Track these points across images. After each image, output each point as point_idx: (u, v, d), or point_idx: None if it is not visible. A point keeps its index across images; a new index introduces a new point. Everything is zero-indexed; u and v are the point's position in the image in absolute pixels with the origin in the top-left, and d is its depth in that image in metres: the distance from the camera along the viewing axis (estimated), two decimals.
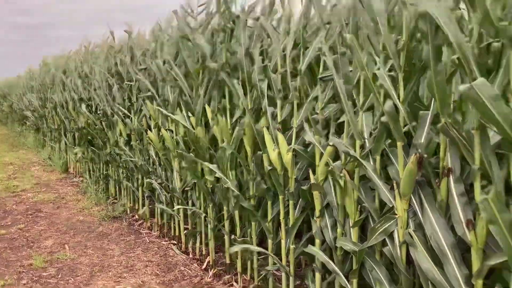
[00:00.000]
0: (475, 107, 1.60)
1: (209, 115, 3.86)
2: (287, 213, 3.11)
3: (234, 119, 3.61)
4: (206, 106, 3.90)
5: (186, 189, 4.51)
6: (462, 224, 1.90)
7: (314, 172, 2.76)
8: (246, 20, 3.46)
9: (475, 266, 1.84)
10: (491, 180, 1.76)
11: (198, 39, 3.92)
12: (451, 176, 1.96)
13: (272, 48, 3.23)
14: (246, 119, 3.34)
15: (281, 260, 3.18)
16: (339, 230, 2.62)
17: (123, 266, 4.28)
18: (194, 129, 4.01)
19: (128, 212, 6.01)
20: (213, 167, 3.66)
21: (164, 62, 4.68)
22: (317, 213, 2.78)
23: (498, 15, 1.69)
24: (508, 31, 1.64)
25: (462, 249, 1.96)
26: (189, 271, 4.10)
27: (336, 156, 2.60)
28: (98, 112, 6.66)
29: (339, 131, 2.63)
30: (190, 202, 4.46)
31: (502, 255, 1.72)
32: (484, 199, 1.69)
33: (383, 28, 2.06)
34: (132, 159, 5.51)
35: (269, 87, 3.14)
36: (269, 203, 3.32)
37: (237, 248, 3.30)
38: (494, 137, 1.79)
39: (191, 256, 4.42)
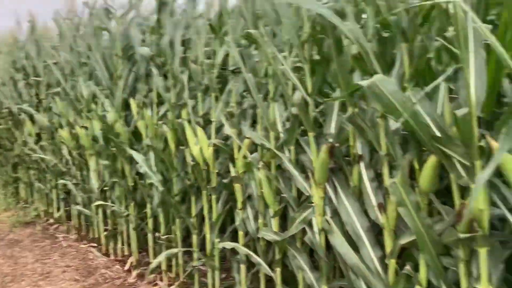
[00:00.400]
0: (377, 100, 1.67)
1: (134, 109, 3.73)
2: (210, 208, 3.09)
3: (160, 114, 3.51)
4: (131, 100, 3.75)
5: (104, 189, 4.34)
6: (374, 208, 1.99)
7: (234, 165, 2.77)
8: (172, 8, 3.34)
9: (388, 247, 1.94)
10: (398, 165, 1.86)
11: (129, 29, 3.75)
12: (361, 163, 2.04)
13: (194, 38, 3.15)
14: (170, 113, 3.26)
15: (206, 255, 3.16)
16: (260, 221, 2.65)
17: (38, 273, 4.04)
18: (113, 124, 3.85)
19: (42, 216, 5.68)
20: (140, 158, 3.52)
21: (77, 54, 4.44)
22: (239, 205, 2.80)
23: (390, 8, 1.78)
24: (399, 24, 1.73)
25: (376, 232, 2.05)
26: (111, 273, 3.96)
27: (256, 148, 2.62)
28: (3, 111, 6.19)
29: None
30: (109, 202, 4.29)
31: (410, 235, 1.82)
32: (393, 183, 1.78)
33: (285, 20, 2.07)
34: (43, 157, 5.19)
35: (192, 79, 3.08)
36: (193, 198, 3.28)
37: (161, 257, 3.25)
38: (394, 124, 1.88)
39: (112, 258, 4.28)
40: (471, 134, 1.53)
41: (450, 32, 1.58)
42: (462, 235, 1.59)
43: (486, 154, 1.58)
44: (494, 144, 1.50)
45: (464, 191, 1.68)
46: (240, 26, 2.52)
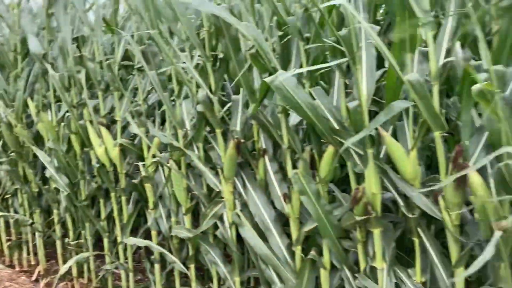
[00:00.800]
0: (280, 96, 1.75)
1: (33, 111, 3.52)
2: (120, 210, 3.03)
3: (60, 115, 3.34)
4: (29, 101, 3.53)
5: (6, 196, 4.07)
6: (280, 198, 2.09)
7: (143, 165, 2.74)
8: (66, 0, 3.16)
9: (294, 234, 2.05)
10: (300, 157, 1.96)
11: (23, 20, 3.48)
12: (266, 157, 2.13)
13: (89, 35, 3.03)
14: (70, 114, 3.13)
15: (119, 257, 3.10)
16: (173, 219, 2.65)
17: None
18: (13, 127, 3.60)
19: None
20: (46, 161, 3.34)
21: None
22: (150, 205, 2.77)
23: (287, 8, 1.87)
24: (295, 23, 1.83)
25: (283, 221, 2.15)
26: (16, 285, 3.72)
27: (165, 146, 2.61)
28: None
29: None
30: (12, 210, 4.03)
31: (313, 222, 1.94)
32: (295, 173, 1.89)
33: (183, 18, 2.09)
34: None
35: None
36: (102, 201, 3.19)
37: (71, 262, 3.13)
38: (294, 119, 1.98)
39: (17, 269, 4.01)
40: (362, 125, 1.66)
41: (344, 31, 1.69)
42: (358, 218, 1.72)
43: (377, 142, 1.72)
44: (383, 132, 1.64)
45: (360, 177, 1.81)
46: (142, 23, 2.48)
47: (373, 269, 1.76)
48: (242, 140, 2.16)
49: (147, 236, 2.95)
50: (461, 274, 1.49)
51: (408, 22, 1.40)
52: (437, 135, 1.45)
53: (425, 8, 1.35)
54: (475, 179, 1.28)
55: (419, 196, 1.56)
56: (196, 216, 2.60)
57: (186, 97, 2.46)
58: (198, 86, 2.17)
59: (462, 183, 1.34)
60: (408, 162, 1.57)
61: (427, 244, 1.63)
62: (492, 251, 1.15)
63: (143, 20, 2.31)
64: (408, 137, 1.72)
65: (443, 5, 1.51)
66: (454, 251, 1.51)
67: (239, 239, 2.29)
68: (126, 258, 3.08)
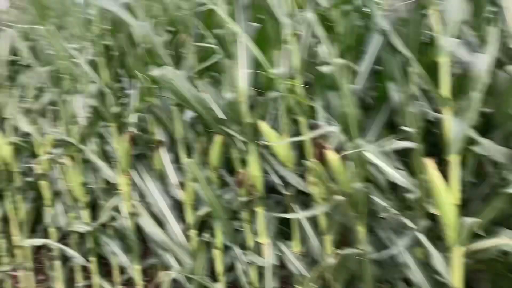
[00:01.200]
0: (169, 90, 1.86)
1: None
2: (16, 209, 2.97)
3: None
4: None
5: None
6: (175, 186, 2.21)
7: (38, 162, 2.71)
8: None
9: (189, 219, 2.18)
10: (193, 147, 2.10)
11: None
12: (162, 148, 2.24)
13: None
14: None
15: (18, 258, 3.03)
16: (71, 214, 2.66)
17: None
18: None
19: None
20: None
21: None
22: (47, 202, 2.76)
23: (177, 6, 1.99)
24: (184, 22, 1.95)
25: (179, 208, 2.28)
26: None
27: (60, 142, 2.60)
28: None
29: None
30: None
31: (205, 207, 2.09)
32: (188, 162, 2.02)
33: (73, 13, 2.13)
34: None
35: None
36: None
37: None
38: (188, 112, 2.11)
39: None
40: (239, 115, 1.83)
41: (219, 30, 1.83)
42: (243, 199, 1.90)
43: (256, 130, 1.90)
44: (260, 122, 1.82)
45: (244, 163, 1.99)
46: (26, 18, 2.45)
47: (259, 245, 1.95)
48: (137, 132, 2.25)
49: (45, 233, 2.92)
50: (328, 241, 1.72)
51: (272, 24, 1.59)
52: (302, 120, 1.66)
53: (285, 12, 1.54)
54: (331, 156, 1.50)
55: (292, 176, 1.76)
56: (94, 209, 2.64)
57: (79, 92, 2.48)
58: (91, 81, 2.21)
59: (322, 160, 1.55)
60: (281, 147, 1.77)
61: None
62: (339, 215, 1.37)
63: (28, 14, 2.29)
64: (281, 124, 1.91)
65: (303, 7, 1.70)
66: (323, 221, 1.74)
67: (140, 228, 2.38)
68: (25, 258, 3.02)
